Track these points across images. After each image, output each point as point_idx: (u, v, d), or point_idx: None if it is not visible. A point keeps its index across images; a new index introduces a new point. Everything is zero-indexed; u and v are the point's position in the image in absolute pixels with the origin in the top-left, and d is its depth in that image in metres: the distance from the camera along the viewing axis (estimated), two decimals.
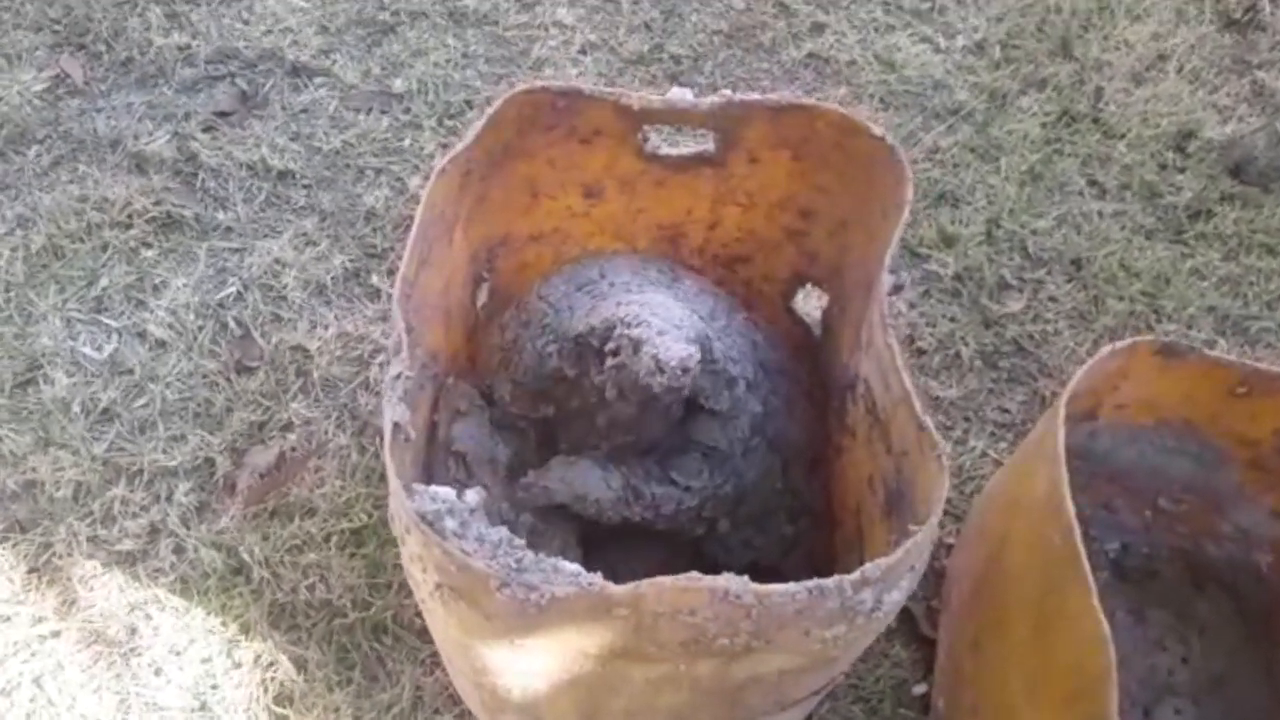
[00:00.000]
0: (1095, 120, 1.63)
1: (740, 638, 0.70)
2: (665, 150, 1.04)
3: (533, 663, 0.75)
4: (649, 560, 1.02)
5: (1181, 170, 1.58)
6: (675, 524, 0.96)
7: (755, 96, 0.97)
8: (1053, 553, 0.83)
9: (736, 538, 1.02)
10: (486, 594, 0.68)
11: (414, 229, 0.86)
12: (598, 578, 0.67)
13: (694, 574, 0.67)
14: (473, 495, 0.72)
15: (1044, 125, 1.61)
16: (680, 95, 0.96)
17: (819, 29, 1.72)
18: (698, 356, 0.86)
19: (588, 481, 0.93)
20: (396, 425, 0.76)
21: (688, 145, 1.05)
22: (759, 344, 1.01)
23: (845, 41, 1.70)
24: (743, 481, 0.97)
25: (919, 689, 1.09)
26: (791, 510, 1.04)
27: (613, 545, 1.00)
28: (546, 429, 0.99)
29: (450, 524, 0.70)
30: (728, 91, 0.97)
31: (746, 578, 0.68)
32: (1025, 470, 0.94)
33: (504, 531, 0.70)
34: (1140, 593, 1.12)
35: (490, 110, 0.94)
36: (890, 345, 0.84)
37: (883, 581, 0.71)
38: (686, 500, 0.94)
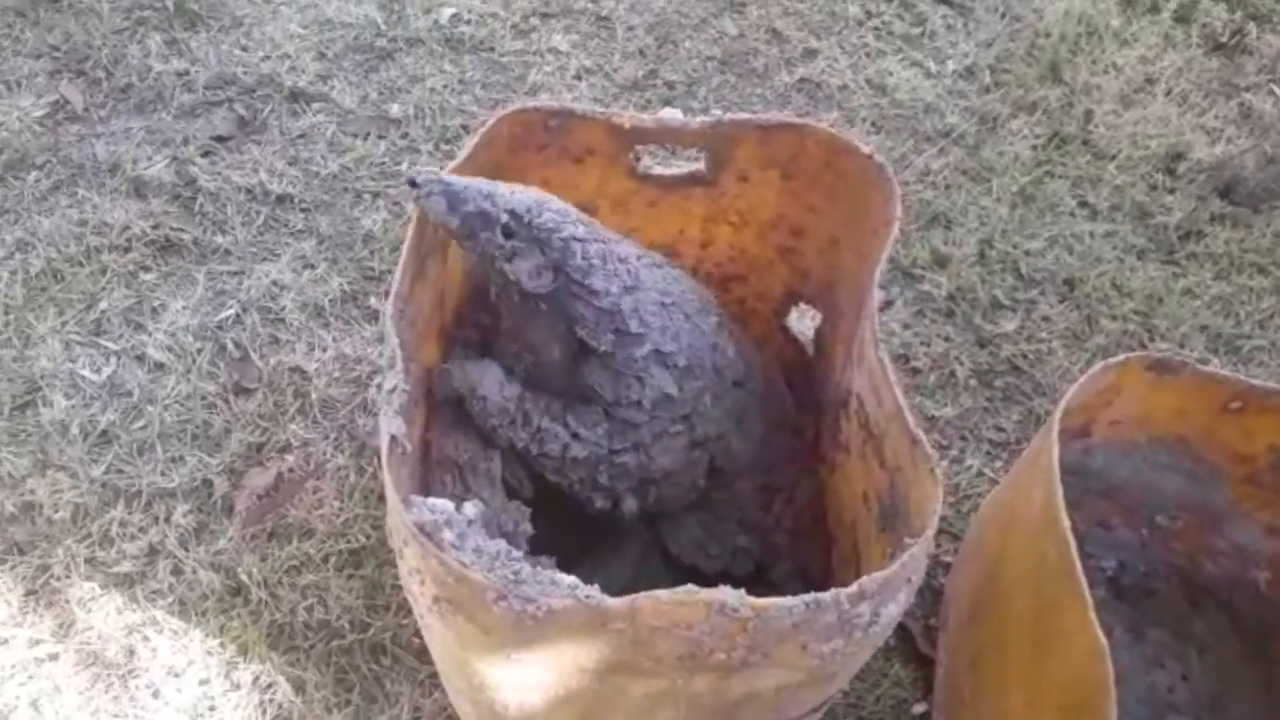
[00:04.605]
0: (1085, 142, 1.64)
1: (737, 652, 0.70)
2: (657, 170, 1.05)
3: (529, 677, 0.75)
4: (622, 576, 1.04)
5: (1171, 191, 1.59)
6: (565, 476, 0.97)
7: (745, 116, 0.99)
8: (1048, 568, 0.84)
9: (687, 538, 1.04)
10: (484, 606, 0.68)
11: (406, 244, 0.87)
12: (595, 590, 0.68)
13: (691, 586, 0.68)
14: (471, 508, 0.73)
15: (1034, 147, 1.63)
16: (671, 115, 0.97)
17: (811, 55, 1.74)
18: (435, 174, 0.89)
19: (484, 379, 0.96)
20: (393, 438, 0.77)
21: (679, 165, 1.06)
22: (719, 347, 1.00)
23: (837, 66, 1.72)
24: (651, 463, 0.97)
25: (919, 708, 1.09)
26: (742, 523, 1.04)
27: (589, 558, 1.01)
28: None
29: (448, 535, 0.70)
30: (718, 111, 0.98)
31: (743, 591, 0.68)
32: (1020, 487, 0.95)
33: (502, 544, 0.71)
34: (1138, 611, 1.12)
35: (483, 129, 0.95)
36: (882, 360, 0.85)
37: (879, 595, 0.71)
38: (575, 449, 0.95)
